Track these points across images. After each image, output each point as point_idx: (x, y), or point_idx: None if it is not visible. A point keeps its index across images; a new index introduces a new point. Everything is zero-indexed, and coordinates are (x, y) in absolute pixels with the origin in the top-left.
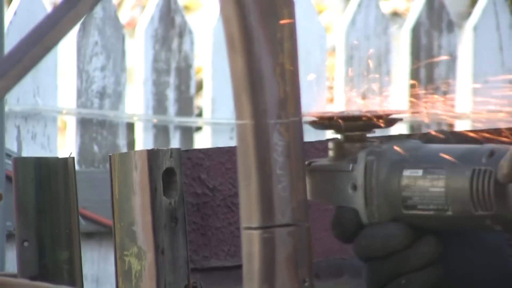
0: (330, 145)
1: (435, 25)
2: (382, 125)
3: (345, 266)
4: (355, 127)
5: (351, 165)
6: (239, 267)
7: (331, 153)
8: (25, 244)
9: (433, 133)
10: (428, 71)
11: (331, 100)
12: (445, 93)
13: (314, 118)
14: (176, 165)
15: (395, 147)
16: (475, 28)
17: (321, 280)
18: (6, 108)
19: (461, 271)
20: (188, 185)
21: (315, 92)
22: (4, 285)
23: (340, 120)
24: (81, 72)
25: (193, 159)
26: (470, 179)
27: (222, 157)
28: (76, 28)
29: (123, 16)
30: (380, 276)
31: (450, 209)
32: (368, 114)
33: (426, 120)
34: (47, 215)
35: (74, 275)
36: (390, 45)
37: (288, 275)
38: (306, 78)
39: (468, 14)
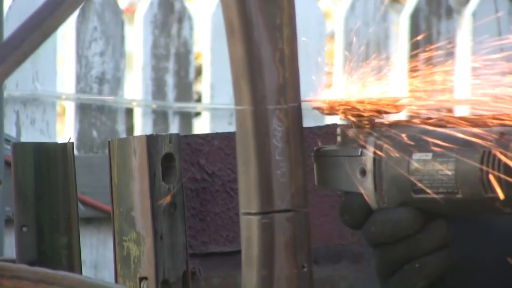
0: (338, 130)
1: (434, 11)
2: (391, 110)
3: (344, 252)
4: (364, 112)
5: (360, 150)
6: (238, 252)
7: (339, 138)
8: (24, 229)
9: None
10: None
11: (330, 86)
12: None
13: (321, 104)
14: (175, 151)
15: (403, 131)
16: (474, 14)
17: (319, 265)
18: (5, 94)
19: (470, 256)
20: (187, 171)
21: (315, 78)
22: (3, 270)
23: (348, 105)
24: (80, 57)
25: (192, 144)
26: (480, 162)
27: (221, 142)
28: (76, 13)
29: (122, 2)
30: (391, 261)
31: (460, 192)
32: (377, 100)
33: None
34: (46, 201)
35: (72, 261)
36: (389, 31)
37: (287, 261)
38: (305, 64)
39: (466, 0)
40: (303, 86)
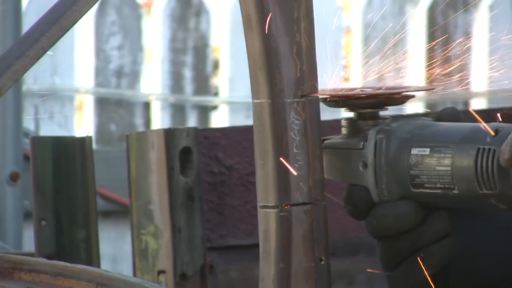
0: (343, 122)
1: (451, 4)
2: (394, 102)
3: (361, 245)
4: (368, 105)
5: (362, 143)
6: (256, 245)
7: (344, 130)
8: (43, 223)
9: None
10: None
11: (346, 79)
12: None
13: (327, 96)
14: (193, 144)
15: (404, 125)
16: (491, 7)
17: (337, 258)
18: (24, 87)
19: (473, 246)
20: (204, 164)
21: (331, 71)
22: (22, 264)
23: (352, 98)
24: (99, 51)
25: (209, 138)
26: (475, 158)
27: (238, 136)
28: (94, 7)
29: None
30: (395, 253)
31: (456, 188)
32: (380, 92)
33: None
34: (65, 194)
35: (91, 254)
36: (406, 25)
37: (305, 254)
38: (322, 57)
39: None
40: (320, 79)
